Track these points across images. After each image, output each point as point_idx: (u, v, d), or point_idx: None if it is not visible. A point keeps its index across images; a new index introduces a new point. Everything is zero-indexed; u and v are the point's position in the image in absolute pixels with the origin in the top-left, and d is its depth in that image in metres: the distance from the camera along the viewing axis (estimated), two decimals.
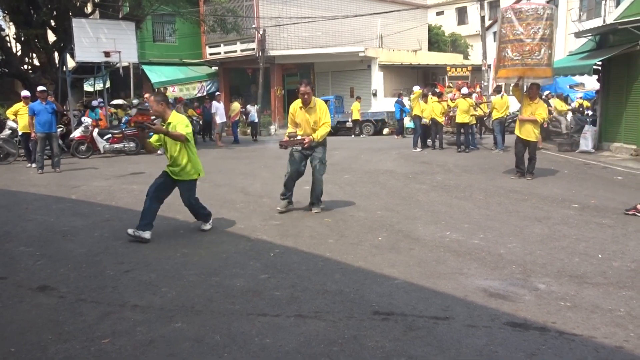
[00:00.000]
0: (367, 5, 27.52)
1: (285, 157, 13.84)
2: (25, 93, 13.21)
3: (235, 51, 26.39)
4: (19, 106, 12.93)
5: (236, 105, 19.66)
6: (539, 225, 5.96)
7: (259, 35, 24.59)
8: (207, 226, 6.02)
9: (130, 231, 5.52)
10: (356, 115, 21.84)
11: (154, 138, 5.87)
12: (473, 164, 11.54)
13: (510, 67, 9.09)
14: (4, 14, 19.61)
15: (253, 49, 25.45)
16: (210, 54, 27.38)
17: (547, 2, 21.85)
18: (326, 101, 23.24)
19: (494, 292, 3.95)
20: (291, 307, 3.72)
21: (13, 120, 13.46)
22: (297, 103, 6.75)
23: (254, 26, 24.67)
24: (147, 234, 5.51)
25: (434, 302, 3.77)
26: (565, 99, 18.94)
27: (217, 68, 28.13)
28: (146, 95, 14.08)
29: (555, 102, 16.66)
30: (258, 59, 25.07)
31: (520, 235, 5.54)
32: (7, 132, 14.05)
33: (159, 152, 7.32)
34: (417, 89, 15.26)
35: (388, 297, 3.87)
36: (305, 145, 6.64)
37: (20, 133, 13.19)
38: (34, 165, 12.03)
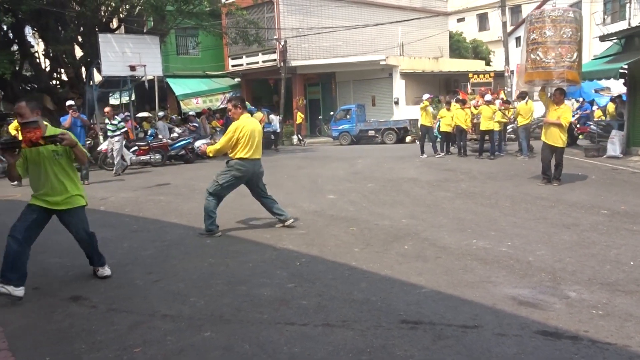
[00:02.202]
0: (388, 13, 27.58)
1: (307, 167, 13.93)
2: (107, 109, 13.50)
3: (257, 62, 26.66)
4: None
5: (258, 115, 19.80)
6: (568, 232, 5.87)
7: (281, 46, 24.81)
8: (106, 271, 4.80)
9: None
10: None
11: (19, 162, 4.45)
12: (498, 170, 11.42)
13: (540, 70, 8.94)
14: (34, 31, 20.19)
15: (275, 60, 25.69)
16: (233, 66, 27.71)
17: (571, 6, 21.61)
18: (348, 110, 23.55)
19: (524, 300, 3.90)
20: (319, 316, 3.73)
21: (14, 136, 12.73)
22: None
23: (275, 37, 24.90)
24: (20, 291, 4.20)
25: (462, 310, 3.74)
26: (591, 104, 18.64)
27: (239, 79, 28.44)
28: (106, 109, 13.93)
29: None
30: (280, 69, 25.29)
31: (549, 243, 5.46)
32: None
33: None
34: (426, 97, 15.36)
35: (415, 306, 3.85)
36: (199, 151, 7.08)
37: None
38: (13, 183, 11.71)
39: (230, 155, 6.25)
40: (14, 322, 3.86)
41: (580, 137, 17.17)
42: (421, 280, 4.43)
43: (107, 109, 13.70)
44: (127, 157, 14.24)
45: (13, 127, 12.59)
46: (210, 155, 6.48)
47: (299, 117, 24.66)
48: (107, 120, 13.76)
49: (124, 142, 14.05)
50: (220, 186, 6.27)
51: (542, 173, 9.35)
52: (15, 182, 11.60)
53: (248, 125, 6.23)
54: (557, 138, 9.13)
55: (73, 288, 4.60)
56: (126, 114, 18.08)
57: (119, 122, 13.91)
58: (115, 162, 13.61)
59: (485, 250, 5.25)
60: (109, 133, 13.73)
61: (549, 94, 9.69)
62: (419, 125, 16.57)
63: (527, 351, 3.09)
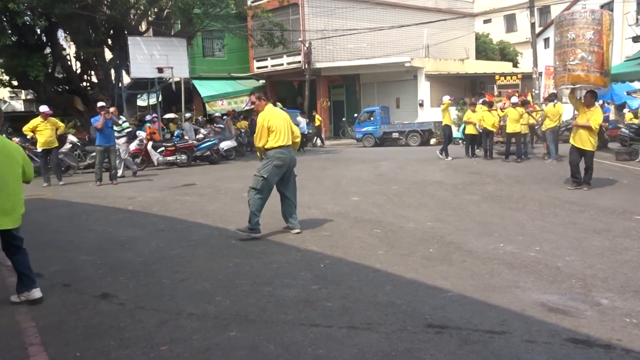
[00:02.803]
0: (413, 15, 27.45)
1: (331, 168, 13.92)
2: (44, 109, 12.53)
3: (282, 64, 26.80)
4: (37, 122, 12.12)
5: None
6: (599, 238, 5.73)
7: (305, 48, 24.90)
8: (36, 293, 4.30)
9: None
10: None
11: None
12: (525, 174, 11.24)
13: (567, 73, 8.77)
14: (66, 34, 20.66)
15: (299, 62, 25.79)
16: (258, 68, 27.92)
17: (602, 7, 21.16)
18: (371, 112, 23.48)
19: (553, 306, 3.82)
20: (343, 318, 3.72)
21: (31, 137, 12.69)
22: None
23: (300, 39, 25.01)
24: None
25: (489, 315, 3.69)
26: (622, 106, 18.22)
27: (264, 81, 28.63)
28: (111, 109, 12.91)
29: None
30: (304, 71, 25.38)
31: (579, 248, 5.35)
32: (67, 146, 14.73)
33: None
34: (446, 99, 15.24)
35: (441, 310, 3.81)
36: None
37: (39, 150, 12.34)
38: (44, 184, 11.89)
39: (267, 147, 6.21)
40: (46, 318, 3.95)
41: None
42: (447, 284, 4.38)
43: (111, 109, 13.04)
44: (130, 165, 13.72)
45: (28, 129, 12.25)
46: (259, 155, 6.52)
47: (317, 119, 24.49)
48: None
49: (128, 144, 13.92)
50: (266, 180, 6.13)
51: (571, 177, 9.16)
52: (46, 184, 11.92)
53: (276, 114, 6.32)
54: (586, 141, 8.93)
55: (102, 285, 4.68)
56: (153, 115, 18.37)
57: (124, 122, 13.71)
58: (123, 165, 13.50)
59: (513, 255, 5.16)
60: (114, 134, 13.13)
61: (579, 97, 9.50)
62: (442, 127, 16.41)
63: (558, 359, 3.03)
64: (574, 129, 9.18)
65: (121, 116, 13.69)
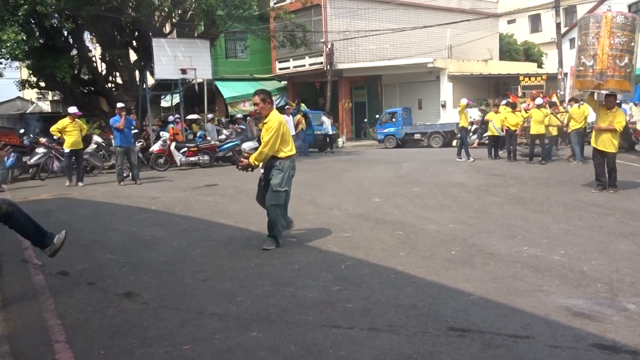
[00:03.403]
0: (436, 15, 27.26)
1: (352, 170, 13.90)
2: (72, 109, 12.68)
3: (304, 65, 26.87)
4: (66, 122, 12.23)
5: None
6: (625, 242, 5.61)
7: (327, 49, 24.91)
8: (59, 237, 4.75)
9: None
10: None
11: None
12: (550, 176, 11.06)
13: (588, 78, 8.58)
14: (92, 36, 21.05)
15: (321, 63, 25.82)
16: (280, 69, 28.04)
17: (629, 7, 20.73)
18: (393, 113, 23.38)
19: (578, 311, 3.75)
20: (364, 320, 3.71)
21: (58, 137, 12.86)
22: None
23: (322, 40, 25.04)
24: None
25: (512, 319, 3.64)
26: None
27: (285, 82, 28.74)
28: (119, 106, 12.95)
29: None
30: (326, 72, 25.39)
31: (605, 252, 5.24)
32: (93, 146, 15.00)
33: None
34: (464, 101, 15.17)
35: (463, 313, 3.77)
36: (239, 167, 5.92)
37: (67, 150, 12.44)
38: (67, 183, 12.21)
39: (281, 156, 5.70)
40: (71, 316, 4.03)
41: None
42: (469, 286, 4.34)
43: (118, 110, 12.88)
44: (177, 158, 14.06)
45: (56, 129, 12.39)
46: (257, 164, 5.76)
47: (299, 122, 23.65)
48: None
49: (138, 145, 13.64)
50: (287, 193, 5.77)
51: (596, 179, 8.99)
52: (69, 183, 12.14)
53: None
54: (608, 143, 8.75)
55: (126, 284, 4.75)
56: (176, 116, 18.59)
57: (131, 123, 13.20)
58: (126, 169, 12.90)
59: (537, 258, 5.09)
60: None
61: (596, 99, 9.24)
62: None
63: None
64: (595, 132, 8.99)
65: (128, 117, 13.13)
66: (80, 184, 12.39)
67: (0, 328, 3.85)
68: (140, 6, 17.09)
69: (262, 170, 5.90)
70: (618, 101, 10.37)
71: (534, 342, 3.27)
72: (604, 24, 8.38)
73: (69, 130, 12.25)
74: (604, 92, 8.82)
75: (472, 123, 20.64)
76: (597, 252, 5.23)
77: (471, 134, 20.11)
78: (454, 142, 21.70)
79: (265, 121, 5.75)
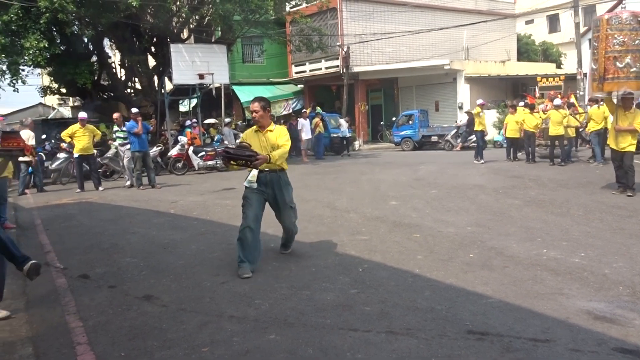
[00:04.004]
0: (453, 17, 27.10)
1: (369, 173, 13.87)
2: (82, 115, 12.71)
3: (320, 69, 26.91)
4: (76, 128, 12.30)
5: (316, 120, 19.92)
6: None
7: (343, 52, 24.92)
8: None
9: None
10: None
11: None
12: (569, 177, 10.92)
13: (608, 81, 8.45)
14: (111, 43, 21.39)
15: (337, 66, 25.83)
16: (296, 73, 28.11)
17: None
18: (410, 115, 23.29)
19: (600, 314, 3.70)
20: (382, 323, 3.70)
21: (69, 143, 12.84)
22: (252, 128, 5.50)
23: (338, 44, 25.05)
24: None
25: (532, 323, 3.61)
26: None
27: (302, 86, 28.81)
28: (115, 115, 12.93)
29: None
30: (342, 75, 25.39)
31: (627, 254, 5.16)
32: (112, 151, 15.20)
33: None
34: (479, 102, 15.47)
35: (482, 316, 3.74)
36: (255, 163, 5.08)
37: (76, 155, 12.50)
38: (77, 190, 12.21)
39: (284, 167, 5.40)
40: (93, 318, 4.09)
41: None
42: (487, 290, 4.31)
43: (115, 115, 12.82)
44: (195, 162, 13.85)
45: (67, 134, 12.45)
46: (279, 163, 5.28)
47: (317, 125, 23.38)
48: (115, 128, 12.86)
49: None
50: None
51: (617, 181, 8.85)
52: (79, 190, 12.24)
53: None
54: (627, 144, 8.64)
55: (145, 287, 4.81)
56: (193, 120, 18.76)
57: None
58: (127, 174, 12.92)
59: (557, 261, 5.03)
60: (119, 141, 12.99)
61: (616, 100, 9.08)
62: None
63: None
64: (614, 133, 8.82)
65: (127, 123, 12.80)
66: (100, 188, 12.45)
67: (24, 330, 3.93)
68: (158, 13, 17.32)
69: (252, 185, 5.28)
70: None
71: (554, 346, 3.24)
72: (601, 28, 8.32)
73: (79, 136, 12.28)
74: (619, 93, 8.69)
75: (457, 127, 20.98)
76: (618, 255, 5.15)
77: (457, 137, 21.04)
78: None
79: (270, 129, 5.29)
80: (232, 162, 5.23)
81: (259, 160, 5.06)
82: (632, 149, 8.72)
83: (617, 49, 8.30)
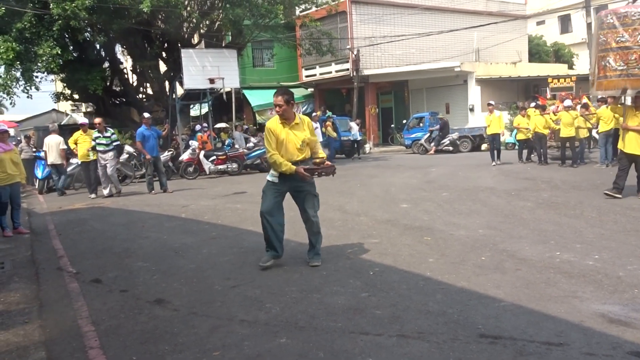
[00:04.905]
0: (463, 19, 27.01)
1: (380, 176, 13.83)
2: (82, 120, 12.70)
3: (330, 72, 26.94)
4: (78, 134, 12.39)
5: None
6: None
7: (353, 55, 24.93)
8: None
9: None
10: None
11: None
12: (582, 179, 10.81)
13: (613, 78, 8.38)
14: (123, 49, 21.59)
15: (347, 69, 25.85)
16: (307, 76, 28.18)
17: None
18: (421, 118, 23.23)
19: (614, 318, 3.65)
20: (393, 327, 3.68)
21: (74, 149, 12.83)
22: (277, 119, 5.33)
23: (348, 47, 25.07)
24: None
25: (545, 326, 3.56)
26: None
27: (312, 89, 28.86)
28: (96, 120, 12.42)
29: None
30: (352, 78, 25.41)
31: None
32: (125, 156, 15.33)
33: None
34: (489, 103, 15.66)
35: (494, 320, 3.71)
36: (333, 171, 5.38)
37: (79, 162, 12.62)
38: (92, 195, 12.09)
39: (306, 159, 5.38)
40: (105, 322, 4.12)
41: None
42: (500, 293, 4.27)
43: (97, 120, 12.41)
44: (115, 183, 12.39)
45: (72, 141, 12.58)
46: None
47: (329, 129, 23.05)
48: (96, 134, 12.06)
49: (117, 160, 12.75)
50: None
51: (614, 182, 8.47)
52: (93, 195, 12.31)
53: None
54: (637, 146, 8.41)
55: (157, 291, 4.83)
56: (204, 125, 18.87)
57: (112, 135, 12.23)
58: (109, 182, 12.21)
59: (570, 264, 4.97)
60: (100, 148, 12.00)
61: (623, 100, 8.92)
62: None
63: None
64: (623, 133, 8.66)
65: (109, 129, 12.47)
66: (92, 195, 12.19)
67: (37, 334, 3.96)
68: (169, 18, 17.44)
69: (274, 180, 5.32)
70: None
71: (568, 350, 3.20)
72: (594, 28, 8.27)
73: (81, 142, 12.35)
74: (633, 92, 8.58)
75: (430, 131, 21.31)
76: (633, 257, 5.08)
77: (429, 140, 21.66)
78: (483, 146, 21.47)
79: (296, 121, 5.25)
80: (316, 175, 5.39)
81: (325, 168, 5.31)
82: None
83: (601, 49, 8.34)
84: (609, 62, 8.31)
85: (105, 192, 12.19)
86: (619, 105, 8.81)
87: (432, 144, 21.52)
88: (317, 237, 5.50)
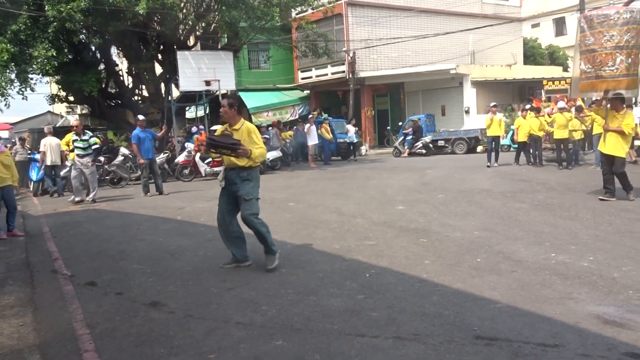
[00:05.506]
0: (458, 21, 27.08)
1: (376, 177, 13.84)
2: (75, 122, 12.60)
3: (326, 74, 26.95)
4: (69, 136, 12.17)
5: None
6: None
7: (349, 57, 24.97)
8: None
9: None
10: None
11: None
12: (577, 181, 10.85)
13: (584, 80, 8.46)
14: (118, 51, 21.57)
15: (343, 72, 25.86)
16: (302, 79, 28.18)
17: None
18: (417, 120, 23.27)
19: (609, 319, 3.67)
20: (389, 329, 3.68)
21: (66, 151, 12.67)
22: (225, 125, 5.59)
23: (344, 49, 25.10)
24: None
25: (540, 327, 3.57)
26: None
27: (308, 92, 28.87)
28: (74, 122, 12.16)
29: None
30: (348, 81, 25.42)
31: (636, 258, 5.11)
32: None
33: None
34: (493, 105, 15.71)
35: (490, 321, 3.72)
36: (240, 152, 5.14)
37: (70, 164, 12.32)
38: (78, 198, 11.51)
39: (254, 166, 5.40)
40: (100, 325, 4.10)
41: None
42: (495, 294, 4.28)
43: (74, 122, 12.24)
44: (202, 169, 13.18)
45: (64, 142, 12.47)
46: (257, 162, 5.39)
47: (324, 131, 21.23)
48: (73, 137, 11.62)
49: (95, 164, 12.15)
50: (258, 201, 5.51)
51: (604, 186, 8.54)
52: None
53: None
54: (616, 147, 8.40)
55: (152, 294, 4.81)
56: (200, 127, 18.84)
57: (90, 138, 11.73)
58: (91, 188, 11.65)
59: (565, 265, 4.99)
60: (78, 151, 11.42)
61: (603, 104, 8.95)
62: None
63: None
64: (603, 134, 8.69)
65: (87, 131, 12.09)
66: (77, 198, 11.62)
67: (32, 337, 3.94)
68: (165, 20, 17.45)
69: (221, 184, 5.50)
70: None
71: (563, 351, 3.21)
72: (597, 23, 8.29)
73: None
74: (614, 92, 8.62)
75: (405, 134, 21.61)
76: (628, 258, 5.10)
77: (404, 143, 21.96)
78: (479, 149, 21.54)
79: (235, 127, 5.35)
80: (213, 150, 5.33)
81: (243, 149, 5.14)
82: (623, 154, 8.49)
83: (579, 51, 8.57)
84: (582, 66, 8.43)
85: (90, 196, 11.64)
86: (602, 108, 8.84)
87: (406, 146, 21.87)
88: (260, 238, 5.45)
